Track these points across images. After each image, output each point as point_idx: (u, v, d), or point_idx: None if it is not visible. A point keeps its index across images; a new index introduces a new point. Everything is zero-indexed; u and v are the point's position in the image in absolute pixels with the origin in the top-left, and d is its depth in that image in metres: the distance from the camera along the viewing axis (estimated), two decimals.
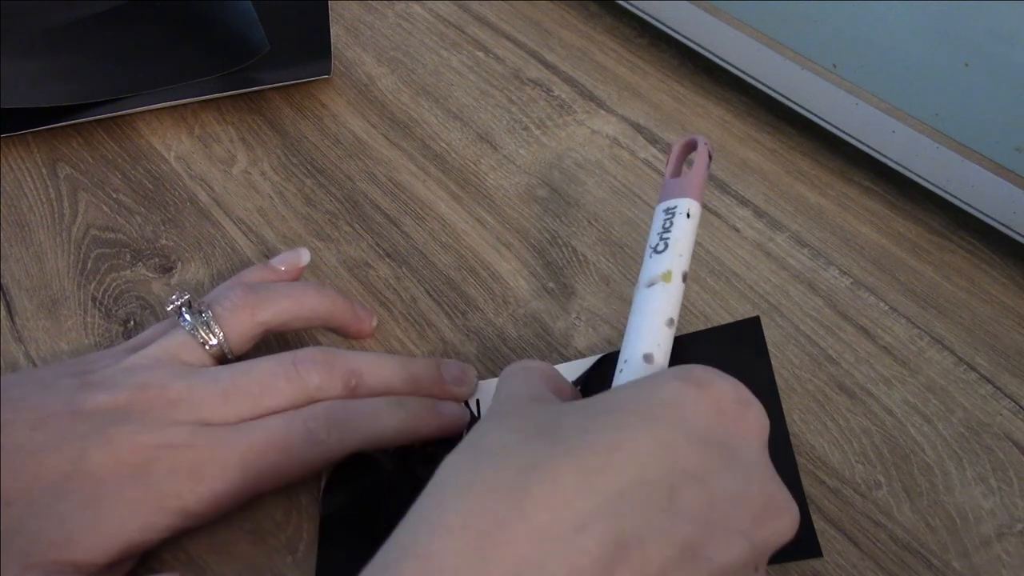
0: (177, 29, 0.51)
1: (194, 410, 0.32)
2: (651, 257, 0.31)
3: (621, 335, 0.39)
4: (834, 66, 0.45)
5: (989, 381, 0.38)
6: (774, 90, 0.48)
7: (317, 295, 0.37)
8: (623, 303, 0.40)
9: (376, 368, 0.35)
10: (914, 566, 0.32)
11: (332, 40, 0.51)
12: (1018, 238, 0.41)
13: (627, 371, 0.30)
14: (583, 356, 0.38)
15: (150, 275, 0.42)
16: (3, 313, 0.40)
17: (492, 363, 0.38)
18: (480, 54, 0.53)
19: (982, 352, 0.39)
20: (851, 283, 0.41)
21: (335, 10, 0.55)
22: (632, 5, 0.53)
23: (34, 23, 0.51)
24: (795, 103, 0.47)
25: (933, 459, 0.35)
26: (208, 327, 0.34)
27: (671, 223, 0.32)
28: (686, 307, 0.40)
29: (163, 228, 0.44)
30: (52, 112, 0.47)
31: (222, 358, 0.34)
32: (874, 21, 0.43)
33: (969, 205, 0.42)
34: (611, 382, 0.30)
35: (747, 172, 0.47)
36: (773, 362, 0.38)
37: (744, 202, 0.45)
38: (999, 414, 0.37)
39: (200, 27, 0.52)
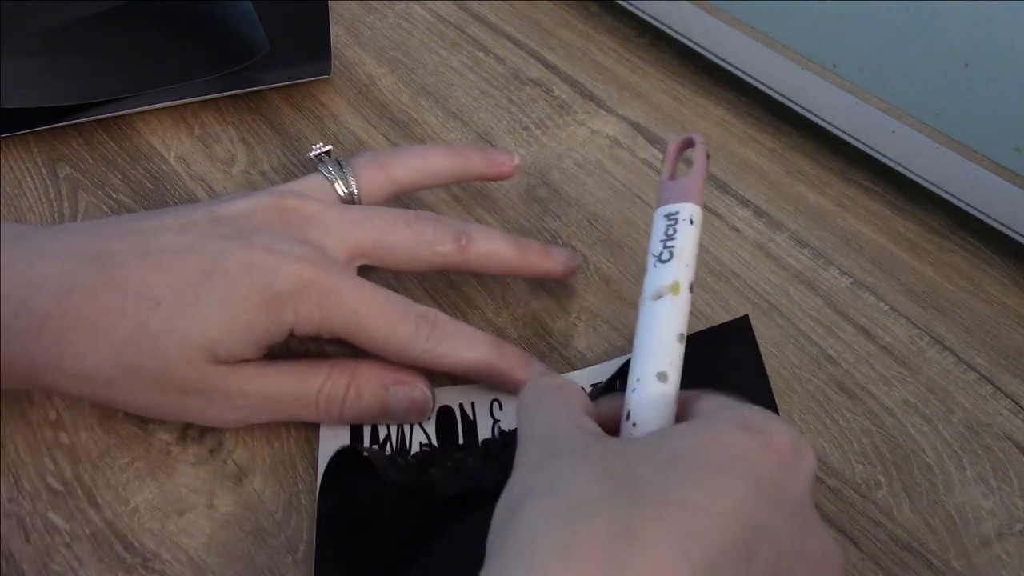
0: (177, 29, 0.51)
1: (325, 232, 0.34)
2: (655, 266, 0.30)
3: (621, 335, 0.39)
4: (834, 66, 0.45)
5: (989, 381, 0.38)
6: (774, 90, 0.48)
7: (445, 152, 0.39)
8: (623, 303, 0.40)
9: (487, 232, 0.37)
10: (914, 566, 0.32)
11: (332, 40, 0.51)
12: (1018, 238, 0.41)
13: (641, 391, 0.29)
14: (583, 356, 0.38)
15: None
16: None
17: None
18: (480, 54, 0.53)
19: (982, 352, 0.39)
20: (851, 283, 0.41)
21: (335, 10, 0.55)
22: (632, 5, 0.53)
23: (34, 23, 0.51)
24: (795, 103, 0.47)
25: (933, 459, 0.35)
26: (344, 176, 0.37)
27: (675, 230, 0.30)
28: None
29: None
30: (52, 112, 0.47)
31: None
32: (874, 21, 0.42)
33: (969, 205, 0.42)
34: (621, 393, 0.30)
35: (747, 172, 0.47)
36: (773, 362, 0.38)
37: (744, 202, 0.45)
38: (999, 414, 0.37)
39: (200, 27, 0.52)
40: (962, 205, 0.43)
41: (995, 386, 0.38)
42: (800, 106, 0.47)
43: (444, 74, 0.52)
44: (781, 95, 0.48)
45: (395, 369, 0.35)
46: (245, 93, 0.49)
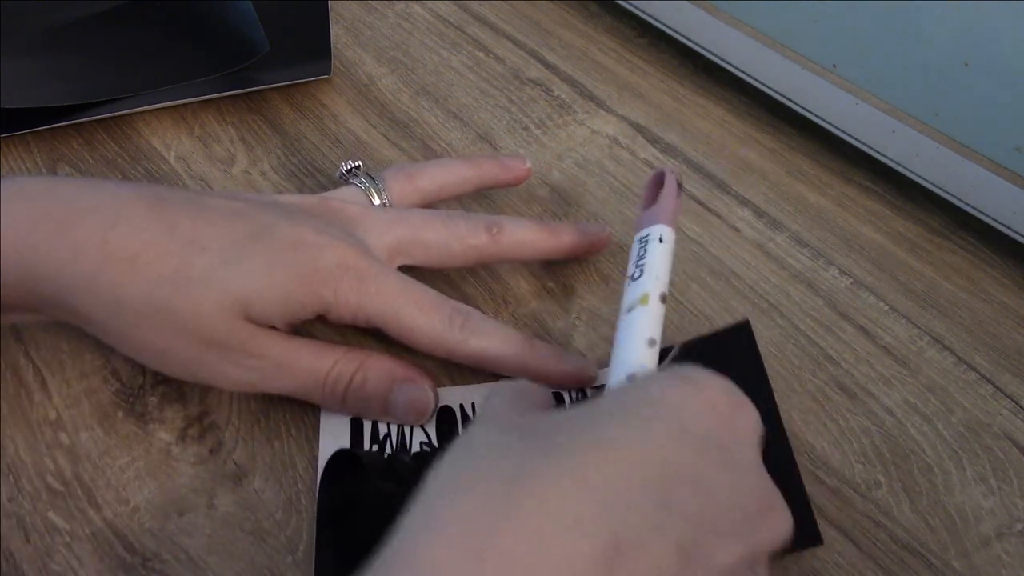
0: (177, 29, 0.51)
1: (367, 231, 0.36)
2: (628, 286, 0.32)
3: None
4: (834, 66, 0.45)
5: (989, 381, 0.38)
6: (774, 90, 0.48)
7: (464, 164, 0.42)
8: None
9: (516, 221, 0.39)
10: (914, 566, 0.32)
11: (332, 40, 0.51)
12: (1018, 238, 0.41)
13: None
14: (583, 357, 0.38)
15: None
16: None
17: None
18: (480, 54, 0.53)
19: (982, 352, 0.39)
20: (851, 283, 0.41)
21: (335, 10, 0.55)
22: (632, 5, 0.53)
23: (34, 23, 0.51)
24: (795, 103, 0.47)
25: (933, 459, 0.35)
26: (377, 187, 0.39)
27: (645, 251, 0.33)
28: (687, 307, 0.40)
29: None
30: (52, 112, 0.47)
31: None
32: (874, 21, 0.43)
33: (969, 205, 0.42)
34: None
35: (747, 172, 0.47)
36: (773, 362, 0.38)
37: (744, 202, 0.45)
38: (999, 414, 0.37)
39: (200, 27, 0.52)
40: (962, 205, 0.42)
41: (995, 386, 0.38)
42: (800, 106, 0.47)
43: (444, 74, 0.52)
44: (781, 95, 0.48)
45: (406, 366, 0.36)
46: (245, 93, 0.49)
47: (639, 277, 0.32)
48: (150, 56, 0.50)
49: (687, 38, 0.51)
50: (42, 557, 0.32)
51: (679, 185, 0.34)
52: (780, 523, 0.26)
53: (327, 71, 0.50)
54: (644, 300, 0.31)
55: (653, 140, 0.48)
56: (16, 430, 0.36)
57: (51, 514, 0.33)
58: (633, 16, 0.54)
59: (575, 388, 0.36)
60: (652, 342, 0.31)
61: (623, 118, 0.49)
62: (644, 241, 0.33)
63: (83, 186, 0.34)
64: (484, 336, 0.35)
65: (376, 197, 0.39)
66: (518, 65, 0.52)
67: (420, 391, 0.35)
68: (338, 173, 0.42)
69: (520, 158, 0.43)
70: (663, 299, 0.32)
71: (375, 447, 0.35)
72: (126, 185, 0.36)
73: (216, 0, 0.52)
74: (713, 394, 0.26)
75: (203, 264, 0.32)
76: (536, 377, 0.35)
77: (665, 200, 0.34)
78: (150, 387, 0.37)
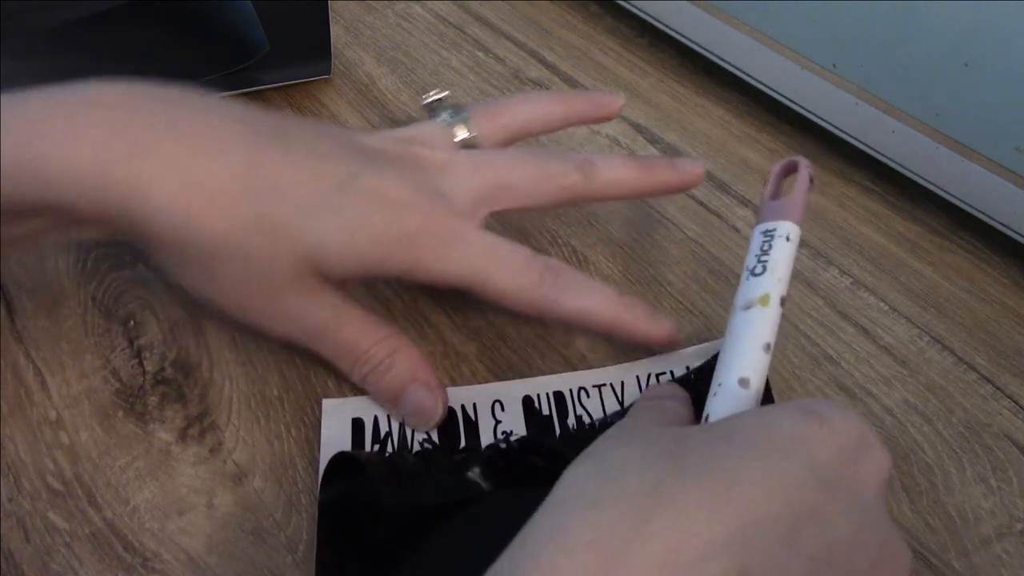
0: (177, 29, 0.51)
1: (453, 180, 0.34)
2: (748, 279, 0.31)
3: None
4: (834, 66, 0.45)
5: (989, 381, 0.38)
6: (774, 90, 0.48)
7: (552, 99, 0.40)
8: None
9: (609, 159, 0.37)
10: (914, 566, 0.32)
11: (332, 40, 0.51)
12: (1018, 238, 0.41)
13: (721, 395, 0.29)
14: (584, 357, 0.38)
15: (150, 275, 0.41)
16: (3, 313, 0.40)
17: (492, 363, 0.38)
18: (480, 54, 0.53)
19: (982, 352, 0.39)
20: (851, 283, 0.41)
21: (335, 10, 0.55)
22: (632, 5, 0.53)
23: (34, 23, 0.51)
24: (795, 103, 0.47)
25: (933, 459, 0.35)
26: (463, 119, 0.37)
27: (770, 245, 0.31)
28: (685, 307, 0.40)
29: None
30: None
31: None
32: (874, 21, 0.42)
33: (969, 205, 0.42)
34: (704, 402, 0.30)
35: (747, 172, 0.47)
36: (773, 362, 0.38)
37: (744, 202, 0.45)
38: (999, 414, 0.37)
39: (200, 27, 0.52)
40: (962, 205, 0.42)
41: (995, 386, 0.38)
42: (800, 106, 0.47)
43: (444, 74, 0.52)
44: (781, 95, 0.48)
45: (430, 369, 0.35)
46: (245, 93, 0.49)
47: (761, 274, 0.31)
48: (150, 56, 0.50)
49: (687, 38, 0.51)
50: (42, 557, 0.32)
51: (811, 179, 0.33)
52: (899, 568, 0.25)
53: (327, 71, 0.50)
54: (764, 301, 0.30)
55: (653, 140, 0.48)
56: (16, 430, 0.36)
57: (51, 514, 0.33)
58: (633, 16, 0.54)
59: (661, 349, 0.36)
60: (768, 347, 0.30)
61: (623, 118, 0.49)
62: (770, 236, 0.31)
63: (166, 101, 0.32)
64: (577, 295, 0.34)
65: (461, 131, 0.37)
66: (518, 65, 0.52)
67: (432, 399, 0.35)
68: (424, 102, 0.40)
69: (612, 93, 0.40)
70: (783, 303, 0.31)
71: (376, 447, 0.35)
72: (213, 105, 0.33)
73: (216, 0, 0.52)
74: (841, 432, 0.25)
75: (283, 213, 0.31)
76: (626, 336, 0.35)
77: (798, 195, 0.32)
78: (150, 387, 0.37)
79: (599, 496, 0.23)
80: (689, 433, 0.26)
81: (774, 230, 0.32)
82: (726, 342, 0.30)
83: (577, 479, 0.24)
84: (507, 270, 0.34)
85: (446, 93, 0.39)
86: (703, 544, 0.22)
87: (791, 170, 0.33)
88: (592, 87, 0.51)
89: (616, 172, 0.37)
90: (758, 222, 0.32)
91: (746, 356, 0.30)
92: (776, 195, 0.33)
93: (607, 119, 0.41)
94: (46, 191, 0.30)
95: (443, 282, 0.34)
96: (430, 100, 0.40)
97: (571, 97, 0.40)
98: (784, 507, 0.23)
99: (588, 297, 0.35)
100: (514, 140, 0.39)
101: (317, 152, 0.33)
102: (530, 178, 0.36)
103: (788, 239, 0.31)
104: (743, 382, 0.29)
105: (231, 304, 0.34)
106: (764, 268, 0.31)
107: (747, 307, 0.30)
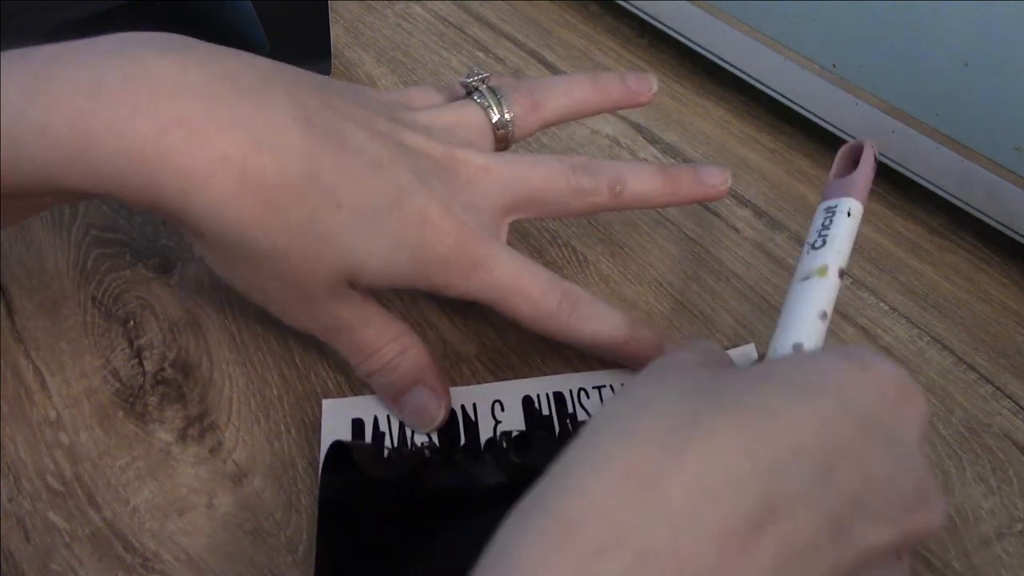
0: (177, 29, 0.51)
1: (487, 191, 0.35)
2: (808, 253, 0.31)
3: None
4: (833, 66, 0.45)
5: (989, 381, 0.38)
6: (774, 90, 0.48)
7: (588, 86, 0.40)
8: (623, 303, 0.40)
9: (639, 173, 0.38)
10: (914, 566, 0.32)
11: (332, 40, 0.51)
12: (1018, 238, 0.41)
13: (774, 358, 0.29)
14: (584, 357, 0.38)
15: (150, 275, 0.42)
16: (3, 313, 0.40)
17: (492, 363, 0.38)
18: (480, 54, 0.53)
19: (982, 352, 0.39)
20: (851, 283, 0.41)
21: (335, 10, 0.55)
22: (632, 5, 0.53)
23: (34, 23, 0.50)
24: (795, 103, 0.47)
25: (933, 459, 0.35)
26: (500, 103, 0.38)
27: (831, 220, 0.32)
28: (685, 307, 0.40)
29: (163, 228, 0.44)
30: None
31: (505, 142, 0.38)
32: (874, 21, 0.42)
33: (969, 205, 0.42)
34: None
35: (747, 172, 0.47)
36: None
37: (744, 202, 0.45)
38: (999, 414, 0.37)
39: (200, 27, 0.51)
40: (962, 205, 0.42)
41: (995, 386, 0.38)
42: (800, 106, 0.47)
43: (444, 74, 0.52)
44: (781, 95, 0.48)
45: (437, 373, 0.36)
46: None
47: (821, 247, 0.31)
48: None
49: (687, 38, 0.51)
50: (42, 557, 0.32)
51: (876, 160, 0.33)
52: (935, 515, 0.25)
53: (327, 71, 0.50)
54: (822, 272, 0.30)
55: (653, 140, 0.48)
56: (16, 430, 0.36)
57: (51, 514, 0.33)
58: (633, 16, 0.54)
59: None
60: (824, 315, 0.30)
61: (623, 118, 0.49)
62: (831, 211, 0.32)
63: (223, 83, 0.31)
64: (591, 322, 0.35)
65: (496, 112, 0.38)
66: (518, 65, 0.52)
67: (435, 402, 0.35)
68: (462, 80, 0.39)
69: (646, 79, 0.40)
70: (842, 275, 0.31)
71: (362, 441, 0.35)
72: (272, 89, 0.32)
73: (216, 0, 0.52)
74: (882, 376, 0.26)
75: (334, 223, 0.31)
76: (636, 364, 0.36)
77: (861, 173, 0.33)
78: (150, 387, 0.37)
79: (635, 425, 0.24)
80: (725, 372, 0.26)
81: (836, 206, 0.32)
82: (782, 312, 0.30)
83: (615, 410, 0.25)
84: (528, 296, 0.35)
85: (487, 75, 0.39)
86: (732, 474, 0.22)
87: (858, 152, 0.34)
88: None
89: (643, 187, 0.38)
90: (822, 200, 0.33)
91: (801, 322, 0.30)
92: (841, 175, 0.33)
93: (639, 106, 0.41)
94: (93, 176, 0.29)
95: (466, 299, 0.35)
96: (473, 80, 0.39)
97: (607, 84, 0.40)
98: (819, 442, 0.23)
99: (602, 326, 0.35)
100: (548, 126, 0.40)
101: (372, 159, 0.33)
102: (563, 195, 0.37)
103: (849, 214, 0.32)
104: (797, 348, 0.29)
105: (257, 294, 0.34)
106: (824, 241, 0.31)
107: (805, 278, 0.31)
